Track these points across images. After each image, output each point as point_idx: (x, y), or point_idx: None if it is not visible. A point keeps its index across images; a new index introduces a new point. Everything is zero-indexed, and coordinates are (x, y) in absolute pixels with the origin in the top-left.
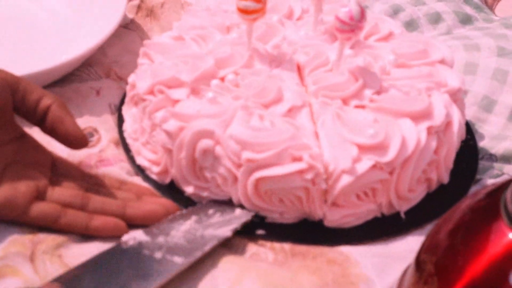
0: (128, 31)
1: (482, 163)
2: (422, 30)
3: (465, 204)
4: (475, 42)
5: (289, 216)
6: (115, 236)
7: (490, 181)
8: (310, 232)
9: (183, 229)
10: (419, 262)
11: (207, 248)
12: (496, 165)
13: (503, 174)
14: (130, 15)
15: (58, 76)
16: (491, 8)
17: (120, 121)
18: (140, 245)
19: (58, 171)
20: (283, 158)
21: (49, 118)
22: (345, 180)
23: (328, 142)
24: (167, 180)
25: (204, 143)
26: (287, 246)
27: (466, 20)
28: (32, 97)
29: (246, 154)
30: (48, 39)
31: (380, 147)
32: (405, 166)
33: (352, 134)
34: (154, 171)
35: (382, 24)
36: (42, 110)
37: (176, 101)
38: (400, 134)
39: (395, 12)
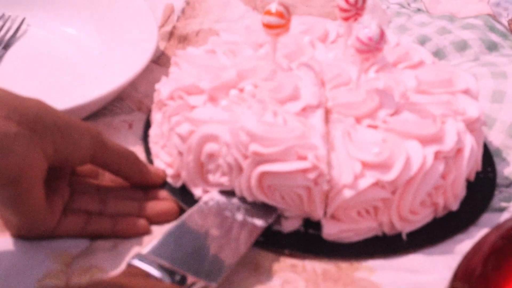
0: (158, 67)
1: (509, 191)
2: (449, 59)
3: (496, 231)
4: (502, 70)
5: (290, 214)
6: (139, 235)
7: None
8: (309, 242)
9: None
10: None
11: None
12: None
13: None
14: (162, 42)
15: (90, 112)
16: None
17: (148, 127)
18: (219, 206)
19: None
20: (289, 155)
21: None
22: (346, 194)
23: (334, 157)
24: (179, 184)
25: (210, 147)
26: (319, 269)
27: (492, 47)
28: (111, 151)
29: (254, 147)
30: (80, 75)
31: (383, 166)
32: (408, 186)
33: (358, 151)
34: (168, 173)
35: (413, 53)
36: (117, 164)
37: (193, 107)
38: (405, 155)
39: (421, 43)
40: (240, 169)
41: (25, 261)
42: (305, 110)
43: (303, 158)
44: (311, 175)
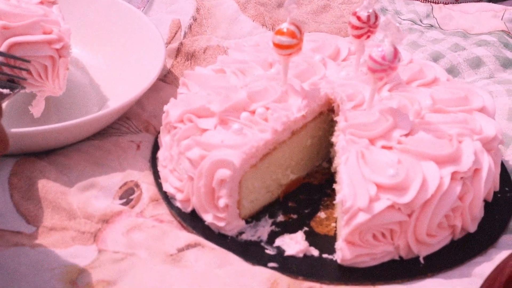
0: (165, 85)
1: None
2: (463, 76)
3: None
4: None
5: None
6: None
7: None
8: (324, 268)
9: None
10: None
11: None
12: None
13: None
14: (169, 60)
15: (97, 129)
16: None
17: (156, 148)
18: None
19: None
20: (35, 29)
21: None
22: (361, 217)
23: (348, 180)
24: (189, 209)
25: (222, 172)
26: None
27: (507, 64)
28: None
29: (2, 22)
30: (85, 93)
31: (399, 188)
32: (425, 209)
33: (372, 173)
34: (178, 198)
35: (427, 70)
36: None
37: (204, 130)
38: (421, 176)
39: (435, 59)
40: None
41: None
42: (43, 3)
43: (48, 32)
44: (57, 45)
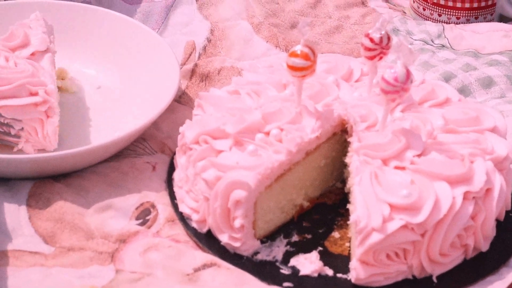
0: (180, 105)
1: None
2: (474, 96)
3: None
4: None
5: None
6: None
7: None
8: None
9: None
10: None
11: None
12: None
13: None
14: (184, 81)
15: (113, 152)
16: None
17: (171, 169)
18: None
19: None
20: (21, 92)
21: None
22: (375, 237)
23: (362, 200)
24: (205, 229)
25: (237, 193)
26: None
27: None
28: None
29: None
30: (101, 116)
31: (412, 208)
32: (438, 228)
33: (386, 193)
34: (194, 218)
35: (439, 90)
36: None
37: (219, 152)
38: (434, 197)
39: (446, 79)
40: None
41: None
42: (34, 55)
43: (34, 94)
44: (43, 108)
